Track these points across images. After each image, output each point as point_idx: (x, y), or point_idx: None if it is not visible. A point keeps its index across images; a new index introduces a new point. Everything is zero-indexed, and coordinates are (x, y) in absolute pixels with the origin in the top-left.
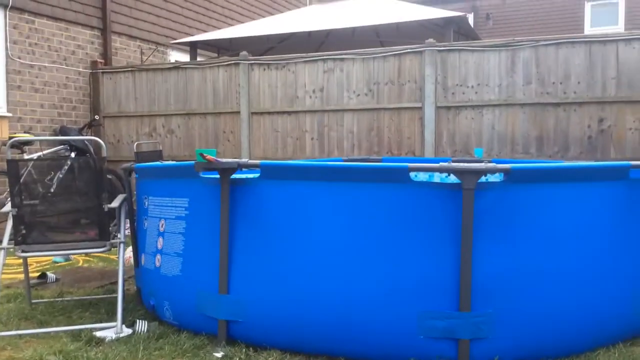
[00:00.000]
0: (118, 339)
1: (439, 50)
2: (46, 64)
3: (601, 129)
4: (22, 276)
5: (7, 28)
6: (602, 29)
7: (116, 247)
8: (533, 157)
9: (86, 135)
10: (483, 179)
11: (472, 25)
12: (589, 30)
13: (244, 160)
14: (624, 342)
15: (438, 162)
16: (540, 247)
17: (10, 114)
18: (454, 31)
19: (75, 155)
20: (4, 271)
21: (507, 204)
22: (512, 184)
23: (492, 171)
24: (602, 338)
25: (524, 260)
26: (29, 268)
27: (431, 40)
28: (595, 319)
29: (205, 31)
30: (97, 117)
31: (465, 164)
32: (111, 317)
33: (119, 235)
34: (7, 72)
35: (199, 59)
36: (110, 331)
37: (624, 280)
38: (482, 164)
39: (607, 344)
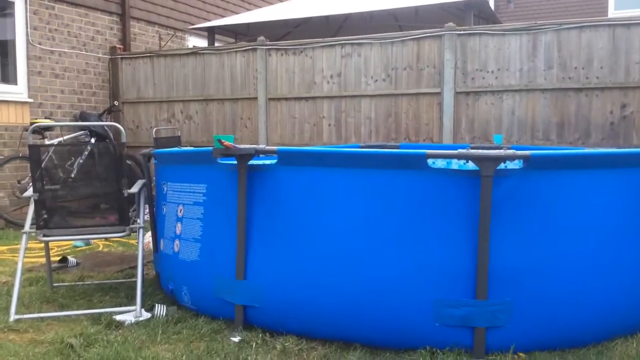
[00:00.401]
0: (137, 323)
1: (458, 35)
2: (66, 50)
3: (624, 115)
4: (43, 260)
5: (28, 14)
6: (626, 12)
7: (135, 232)
8: (553, 144)
9: (106, 121)
10: (502, 165)
11: (493, 9)
12: (612, 13)
13: (262, 146)
14: None
15: (456, 149)
16: (558, 234)
17: (31, 100)
18: (474, 15)
19: (95, 141)
20: (25, 255)
21: (526, 191)
22: (532, 170)
23: (511, 158)
24: (621, 328)
25: (542, 248)
26: (50, 252)
27: (451, 24)
28: (613, 309)
29: (222, 16)
30: (116, 102)
31: (484, 151)
32: (130, 301)
33: (138, 221)
34: (28, 58)
35: (216, 44)
36: (130, 315)
37: None
38: (501, 150)
39: (626, 334)
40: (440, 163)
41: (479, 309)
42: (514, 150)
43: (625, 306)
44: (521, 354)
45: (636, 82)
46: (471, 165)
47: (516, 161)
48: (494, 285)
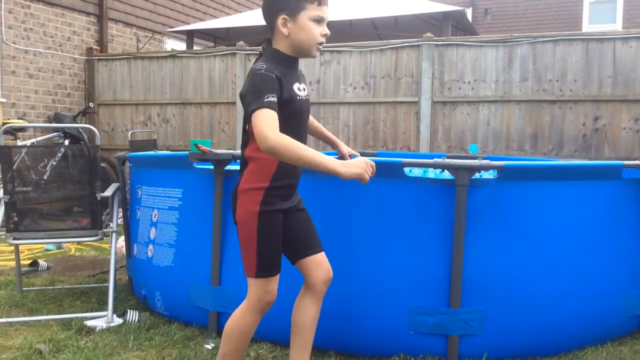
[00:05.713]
0: (109, 329)
1: (436, 45)
2: (41, 50)
3: (596, 127)
4: (13, 263)
5: (2, 12)
6: (599, 27)
7: (108, 236)
8: (527, 155)
9: (80, 123)
10: (477, 175)
11: (471, 20)
12: (586, 27)
13: (239, 151)
14: (612, 341)
15: (433, 158)
16: (532, 244)
17: (4, 100)
18: (452, 26)
19: (69, 143)
20: None
21: (500, 201)
22: (506, 181)
23: (486, 168)
24: (591, 337)
25: (515, 258)
26: (21, 255)
27: (429, 34)
28: (584, 318)
29: (202, 20)
30: (91, 104)
31: (460, 160)
32: (102, 306)
33: (111, 225)
34: (2, 57)
35: (195, 48)
36: (101, 320)
37: (613, 280)
38: (476, 160)
39: (596, 343)
40: (416, 172)
41: (453, 317)
42: (489, 161)
43: (595, 315)
44: None
45: (608, 95)
46: (447, 175)
47: (491, 171)
48: (467, 294)
